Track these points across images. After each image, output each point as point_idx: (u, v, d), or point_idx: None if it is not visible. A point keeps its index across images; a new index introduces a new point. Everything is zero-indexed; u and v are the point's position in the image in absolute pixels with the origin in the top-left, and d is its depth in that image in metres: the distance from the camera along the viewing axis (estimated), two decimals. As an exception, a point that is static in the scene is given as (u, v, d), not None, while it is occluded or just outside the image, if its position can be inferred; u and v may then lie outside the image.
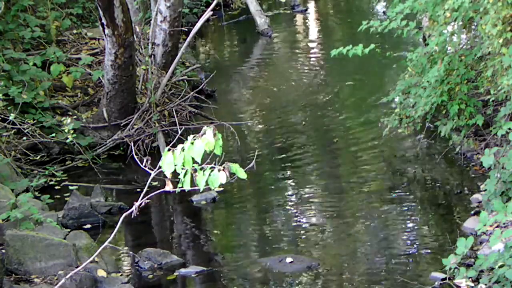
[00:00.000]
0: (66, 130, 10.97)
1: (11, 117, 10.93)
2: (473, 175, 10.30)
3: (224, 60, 17.83)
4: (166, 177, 5.16)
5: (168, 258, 8.68)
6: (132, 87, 12.18)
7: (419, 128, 10.85)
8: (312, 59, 17.35)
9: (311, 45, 18.85)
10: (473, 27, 10.27)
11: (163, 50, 13.72)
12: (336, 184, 10.86)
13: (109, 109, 12.06)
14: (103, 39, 12.10)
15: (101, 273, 8.07)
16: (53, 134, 11.56)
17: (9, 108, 11.42)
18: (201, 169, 5.05)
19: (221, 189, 10.07)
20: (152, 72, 12.88)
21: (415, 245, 8.82)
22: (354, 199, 10.17)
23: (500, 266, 7.32)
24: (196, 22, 13.96)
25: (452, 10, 9.49)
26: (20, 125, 11.38)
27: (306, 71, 16.36)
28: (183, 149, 5.03)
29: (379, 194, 10.18)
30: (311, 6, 22.53)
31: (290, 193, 10.58)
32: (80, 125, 11.93)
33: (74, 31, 14.52)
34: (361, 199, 10.11)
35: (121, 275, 8.42)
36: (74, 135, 10.97)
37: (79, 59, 13.31)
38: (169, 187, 5.27)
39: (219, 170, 5.03)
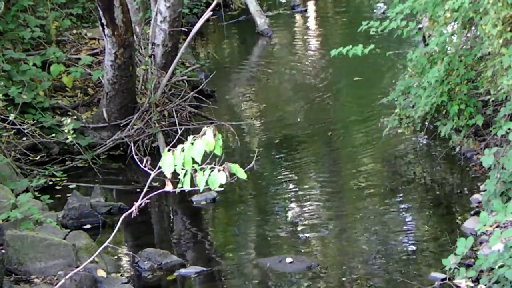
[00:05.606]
0: (66, 130, 10.96)
1: (11, 117, 10.92)
2: (473, 175, 10.29)
3: (224, 60, 17.82)
4: (166, 177, 5.16)
5: (168, 258, 8.68)
6: (132, 87, 12.17)
7: (419, 128, 10.85)
8: (312, 59, 17.34)
9: (311, 45, 18.83)
10: (473, 27, 10.27)
11: (163, 50, 13.71)
12: (336, 184, 10.86)
13: (109, 109, 12.06)
14: (103, 39, 12.10)
15: (101, 273, 8.07)
16: (53, 134, 11.55)
17: (9, 108, 11.41)
18: (201, 169, 5.05)
19: (221, 189, 10.04)
20: (152, 72, 12.87)
21: (415, 245, 8.82)
22: (354, 199, 10.18)
23: (500, 266, 7.32)
24: (196, 22, 13.95)
25: (452, 10, 9.49)
26: (20, 125, 11.36)
27: (306, 71, 16.35)
28: (183, 150, 5.03)
29: (379, 194, 10.18)
30: (311, 6, 22.52)
31: (290, 193, 10.57)
32: (80, 125, 11.93)
33: (74, 31, 14.51)
34: (361, 199, 10.11)
35: (121, 275, 8.42)
36: (74, 135, 10.96)
37: (79, 59, 13.30)
38: (169, 187, 5.26)
39: (219, 170, 5.03)
